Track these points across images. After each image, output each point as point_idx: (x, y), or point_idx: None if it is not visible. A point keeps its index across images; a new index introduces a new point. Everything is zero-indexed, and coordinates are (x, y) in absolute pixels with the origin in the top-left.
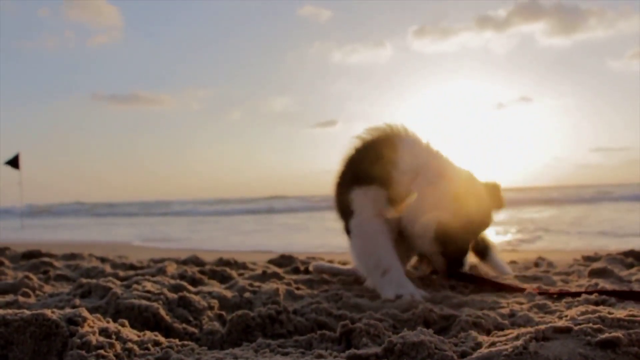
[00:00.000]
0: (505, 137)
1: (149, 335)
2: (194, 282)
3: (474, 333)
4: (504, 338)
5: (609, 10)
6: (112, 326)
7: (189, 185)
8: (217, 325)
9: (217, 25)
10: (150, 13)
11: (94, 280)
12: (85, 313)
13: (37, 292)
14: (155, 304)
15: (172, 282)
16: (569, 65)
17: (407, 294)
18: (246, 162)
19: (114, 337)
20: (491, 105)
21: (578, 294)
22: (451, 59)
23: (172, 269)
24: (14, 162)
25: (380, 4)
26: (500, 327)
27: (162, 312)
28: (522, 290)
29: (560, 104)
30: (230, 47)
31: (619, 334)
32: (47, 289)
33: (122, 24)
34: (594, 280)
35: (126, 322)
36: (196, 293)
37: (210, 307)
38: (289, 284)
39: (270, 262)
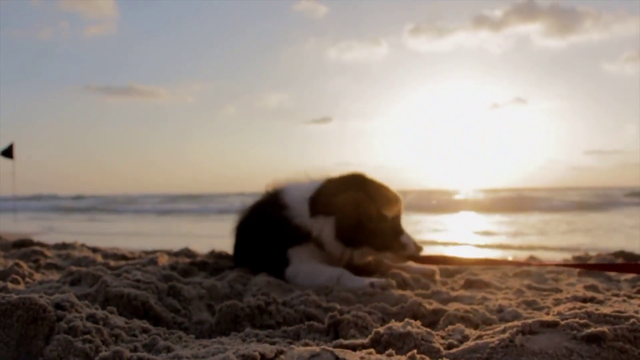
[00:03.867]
0: (499, 138)
1: (137, 322)
2: (185, 273)
3: (462, 327)
4: (491, 331)
5: (605, 12)
6: (100, 312)
7: (180, 179)
8: (206, 315)
9: (213, 19)
10: (146, 5)
11: (84, 268)
12: (73, 298)
13: (27, 279)
14: (144, 293)
15: (163, 272)
16: (564, 67)
17: (379, 281)
18: (240, 156)
19: (101, 323)
20: (486, 106)
21: None
22: (446, 58)
23: (163, 260)
24: (8, 152)
25: (377, 1)
26: (488, 322)
27: (151, 301)
28: None
29: (554, 106)
30: (225, 41)
31: (604, 328)
32: (37, 276)
33: (117, 15)
34: (584, 279)
35: (115, 310)
36: (186, 283)
37: (200, 298)
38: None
39: None
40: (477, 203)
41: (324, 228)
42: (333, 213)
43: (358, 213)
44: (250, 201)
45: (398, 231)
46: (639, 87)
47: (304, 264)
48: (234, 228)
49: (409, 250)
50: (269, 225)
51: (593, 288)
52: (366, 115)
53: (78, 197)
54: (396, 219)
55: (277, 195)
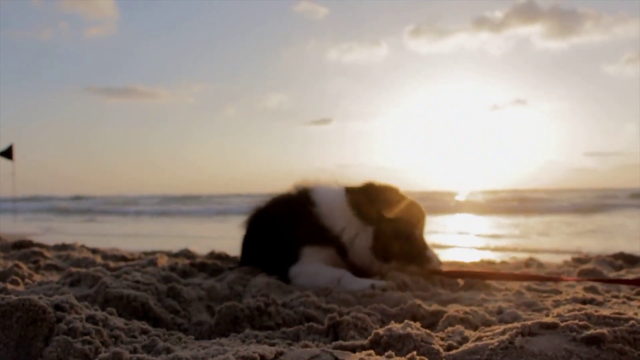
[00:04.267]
0: (499, 139)
1: (136, 323)
2: (185, 274)
3: (461, 328)
4: (490, 333)
5: (606, 14)
6: (99, 313)
7: (180, 179)
8: (205, 316)
9: (213, 20)
10: (146, 5)
11: (84, 270)
12: (73, 300)
13: (27, 280)
14: (144, 294)
15: (162, 273)
16: (565, 68)
17: (379, 283)
18: (240, 157)
19: (100, 324)
20: (486, 107)
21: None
22: (447, 60)
23: (163, 261)
24: (7, 153)
25: (377, 2)
26: (488, 324)
27: (151, 302)
28: None
29: (555, 107)
30: (226, 42)
31: (604, 330)
32: (37, 277)
33: (117, 15)
34: (583, 281)
35: (114, 311)
36: (186, 285)
37: (200, 299)
38: (279, 278)
39: None
40: (477, 204)
41: (359, 236)
42: (374, 223)
43: (400, 228)
44: (252, 201)
45: (424, 246)
46: (639, 88)
47: (309, 265)
48: (247, 221)
49: (434, 265)
50: (291, 219)
51: (592, 290)
52: (366, 116)
53: (77, 198)
54: (421, 234)
55: (305, 192)
